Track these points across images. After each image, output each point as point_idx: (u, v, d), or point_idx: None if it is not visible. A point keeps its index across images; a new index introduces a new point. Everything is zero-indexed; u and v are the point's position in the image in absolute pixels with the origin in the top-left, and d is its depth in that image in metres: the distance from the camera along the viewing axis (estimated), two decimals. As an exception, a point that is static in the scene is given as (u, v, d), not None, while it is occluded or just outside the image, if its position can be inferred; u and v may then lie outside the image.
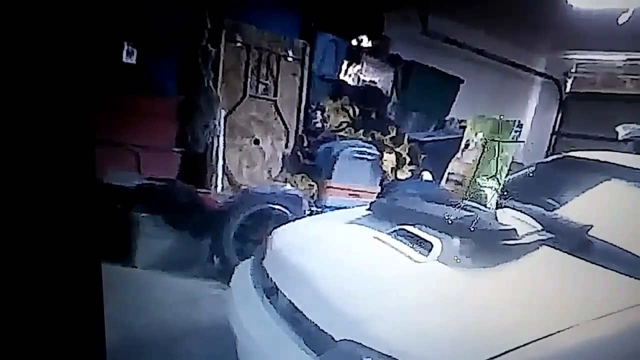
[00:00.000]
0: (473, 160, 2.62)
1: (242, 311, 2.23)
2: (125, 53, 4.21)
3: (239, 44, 4.81)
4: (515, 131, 2.59)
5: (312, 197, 4.85)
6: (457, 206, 2.43)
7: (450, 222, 2.16)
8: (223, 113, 4.72)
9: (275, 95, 5.14)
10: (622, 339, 1.64)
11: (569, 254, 2.04)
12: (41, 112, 0.95)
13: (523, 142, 2.67)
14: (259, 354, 1.98)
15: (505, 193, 2.49)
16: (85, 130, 1.02)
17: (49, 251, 0.97)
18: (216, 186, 4.65)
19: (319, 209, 4.66)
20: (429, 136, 5.90)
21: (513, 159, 2.56)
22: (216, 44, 4.63)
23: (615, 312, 1.68)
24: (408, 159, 5.37)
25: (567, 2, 5.00)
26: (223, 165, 4.76)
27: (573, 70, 8.37)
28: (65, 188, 0.99)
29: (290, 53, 5.14)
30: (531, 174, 3.06)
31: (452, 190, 2.63)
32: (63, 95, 0.99)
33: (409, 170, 5.33)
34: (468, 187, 2.54)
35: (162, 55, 4.43)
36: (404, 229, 2.22)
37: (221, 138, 4.70)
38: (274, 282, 2.19)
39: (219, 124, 4.65)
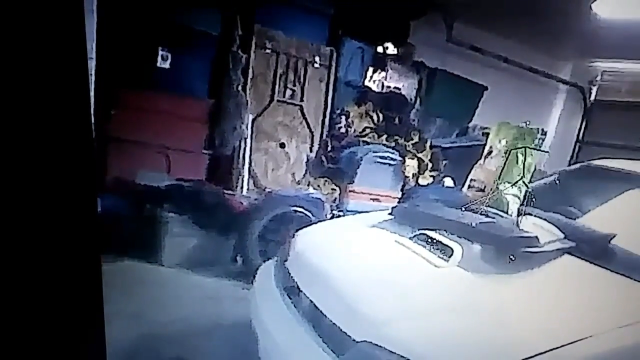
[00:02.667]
0: (495, 167, 2.61)
1: (264, 310, 2.26)
2: (160, 58, 4.33)
3: (268, 50, 4.86)
4: (539, 139, 2.59)
5: (334, 200, 4.89)
6: (478, 212, 2.43)
7: (471, 228, 2.16)
8: (251, 117, 4.78)
9: (301, 100, 5.17)
10: None
11: (590, 262, 2.02)
12: (45, 111, 0.94)
13: (547, 152, 2.66)
14: (279, 352, 2.00)
15: (528, 200, 2.49)
16: (86, 128, 1.02)
17: (48, 249, 0.96)
18: (242, 188, 4.70)
19: (341, 213, 4.69)
20: (451, 142, 5.87)
21: (536, 166, 2.55)
22: (246, 50, 4.69)
23: (637, 323, 1.66)
24: (430, 165, 5.36)
25: (592, 10, 4.95)
26: (249, 168, 4.81)
27: (598, 78, 8.14)
28: (65, 185, 0.96)
29: (318, 59, 5.16)
30: (554, 182, 3.04)
31: (474, 197, 2.64)
32: (66, 94, 0.98)
33: (431, 176, 5.32)
34: (490, 193, 2.54)
35: (195, 60, 4.51)
36: (425, 234, 2.23)
37: (248, 141, 4.75)
38: (296, 283, 2.21)
39: (247, 128, 4.70)
